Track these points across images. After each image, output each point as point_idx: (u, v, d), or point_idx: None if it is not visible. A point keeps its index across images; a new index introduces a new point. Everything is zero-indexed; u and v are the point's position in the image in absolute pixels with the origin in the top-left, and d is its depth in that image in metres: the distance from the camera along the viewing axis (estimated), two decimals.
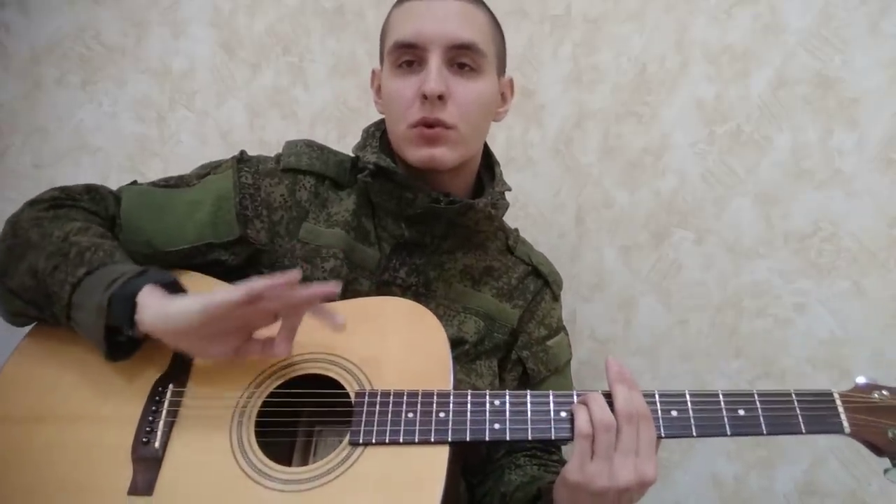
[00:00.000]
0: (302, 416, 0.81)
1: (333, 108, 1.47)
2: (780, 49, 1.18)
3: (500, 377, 0.96)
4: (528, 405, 0.75)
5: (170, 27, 1.53)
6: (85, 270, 0.77)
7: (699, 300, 1.23)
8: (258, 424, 0.77)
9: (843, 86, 1.13)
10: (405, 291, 0.91)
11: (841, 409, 0.73)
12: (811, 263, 1.14)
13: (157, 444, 0.76)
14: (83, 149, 1.52)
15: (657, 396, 0.74)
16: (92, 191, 0.92)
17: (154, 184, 0.94)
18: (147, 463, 0.75)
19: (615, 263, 1.30)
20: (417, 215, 0.90)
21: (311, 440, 0.82)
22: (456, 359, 0.90)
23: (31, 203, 0.88)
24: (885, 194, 1.09)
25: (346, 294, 0.88)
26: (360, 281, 0.91)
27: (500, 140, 1.39)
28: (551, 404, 0.75)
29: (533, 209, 1.37)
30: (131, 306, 0.75)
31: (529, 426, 0.74)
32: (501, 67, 0.97)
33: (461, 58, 0.88)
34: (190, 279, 0.88)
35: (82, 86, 1.54)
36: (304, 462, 0.79)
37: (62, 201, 0.88)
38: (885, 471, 0.72)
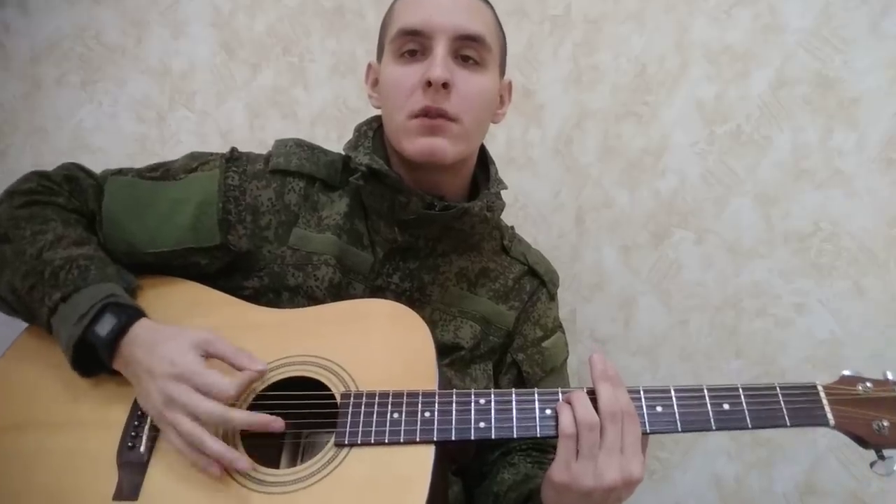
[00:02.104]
0: (289, 420, 0.80)
1: (333, 108, 1.47)
2: (780, 49, 1.18)
3: (495, 380, 0.95)
4: (514, 403, 0.74)
5: (170, 27, 1.53)
6: (59, 296, 0.77)
7: (699, 300, 1.23)
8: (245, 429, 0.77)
9: (843, 86, 1.13)
10: (399, 297, 0.89)
11: (825, 402, 0.73)
12: (811, 263, 1.14)
13: (142, 449, 0.76)
14: (83, 149, 1.52)
15: (642, 393, 0.74)
16: (72, 181, 0.90)
17: (140, 173, 0.92)
18: (132, 468, 0.75)
19: (615, 263, 1.30)
20: (411, 220, 0.88)
21: (299, 443, 0.81)
22: (451, 364, 0.90)
23: (10, 194, 0.87)
24: (885, 194, 1.09)
25: (340, 300, 0.87)
26: (353, 286, 0.89)
27: (500, 140, 1.39)
28: (536, 402, 0.74)
29: (533, 209, 1.37)
30: (94, 351, 0.77)
31: (514, 424, 0.73)
32: (503, 67, 0.96)
33: (466, 50, 0.86)
34: (164, 288, 0.88)
35: (82, 86, 1.54)
36: (293, 465, 0.78)
37: (39, 196, 0.87)
38: (872, 464, 0.73)
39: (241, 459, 0.72)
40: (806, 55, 1.16)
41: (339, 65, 1.48)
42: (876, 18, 1.10)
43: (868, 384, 0.74)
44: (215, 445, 0.71)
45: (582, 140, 1.33)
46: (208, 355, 0.76)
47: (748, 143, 1.20)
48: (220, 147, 1.50)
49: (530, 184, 1.37)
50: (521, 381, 0.95)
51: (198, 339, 0.76)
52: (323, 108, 1.49)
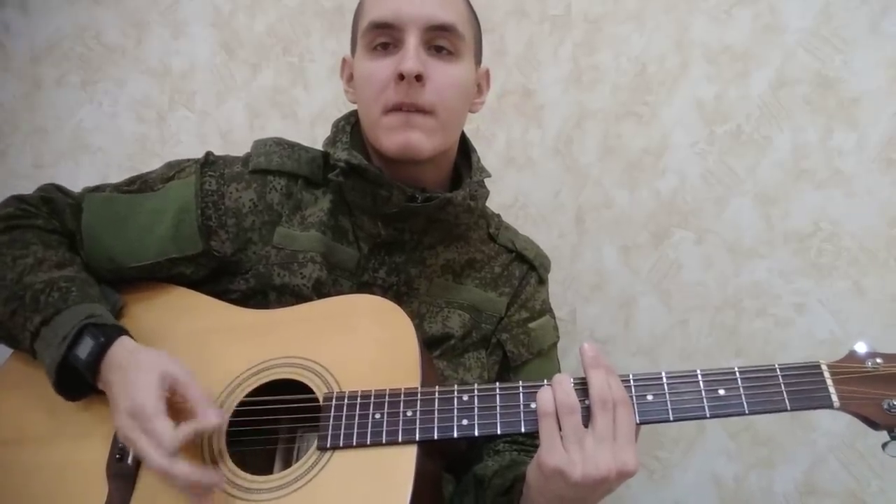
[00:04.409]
0: (281, 423, 0.80)
1: (333, 108, 1.47)
2: (780, 49, 1.18)
3: (488, 367, 0.93)
4: (497, 398, 0.72)
5: (170, 27, 1.53)
6: (40, 320, 0.77)
7: (699, 300, 1.23)
8: (236, 434, 0.76)
9: (843, 86, 1.13)
10: (386, 292, 0.88)
11: (829, 382, 0.68)
12: (811, 263, 1.14)
13: (129, 461, 0.76)
14: (83, 149, 1.52)
15: (632, 380, 0.71)
16: (49, 202, 0.89)
17: (118, 188, 0.91)
18: (122, 479, 0.75)
19: (615, 263, 1.30)
20: (394, 213, 0.86)
21: (293, 447, 0.81)
22: (442, 355, 0.89)
23: None
24: (885, 194, 1.09)
25: (327, 297, 0.86)
26: (340, 282, 0.88)
27: (500, 140, 1.39)
28: (521, 396, 0.72)
29: (533, 209, 1.37)
30: (79, 372, 0.76)
31: (498, 420, 0.71)
32: (478, 56, 0.95)
33: (439, 40, 0.85)
34: (149, 295, 0.87)
35: (82, 86, 1.54)
36: (287, 469, 0.78)
37: (18, 220, 0.86)
38: (884, 445, 0.68)
39: (211, 475, 0.70)
40: (806, 55, 1.16)
41: (339, 65, 1.48)
42: (876, 18, 1.10)
43: (878, 359, 0.68)
44: (187, 472, 0.69)
45: (582, 140, 1.33)
46: (173, 391, 0.74)
47: (748, 143, 1.20)
48: (220, 147, 1.51)
49: (530, 184, 1.37)
50: (507, 362, 0.94)
51: (165, 374, 0.73)
52: (323, 108, 1.49)
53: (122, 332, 0.79)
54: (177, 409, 0.73)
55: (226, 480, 0.73)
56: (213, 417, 0.72)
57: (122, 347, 0.76)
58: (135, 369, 0.74)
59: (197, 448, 0.75)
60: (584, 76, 1.34)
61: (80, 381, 0.78)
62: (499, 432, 0.71)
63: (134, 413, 0.71)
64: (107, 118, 1.53)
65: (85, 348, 0.75)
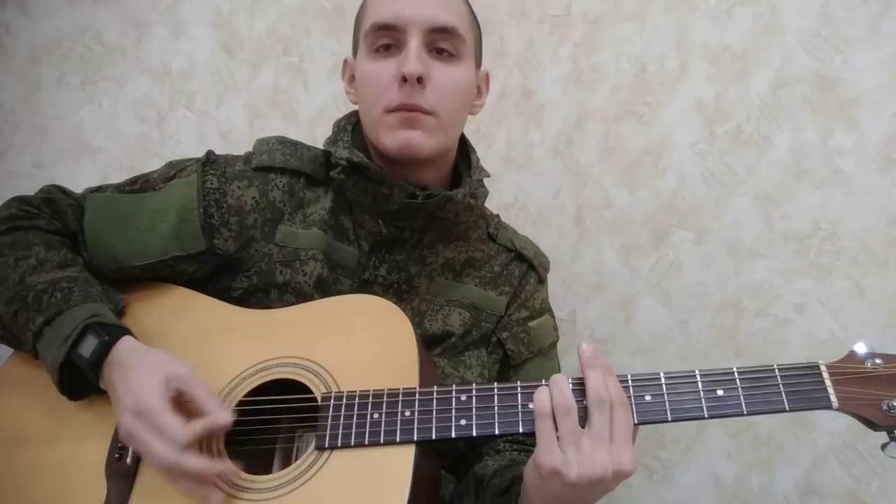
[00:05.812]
0: (281, 422, 0.80)
1: (333, 108, 1.47)
2: (780, 49, 1.18)
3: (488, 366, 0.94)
4: (496, 399, 0.72)
5: (170, 27, 1.53)
6: (43, 320, 0.77)
7: (699, 300, 1.23)
8: (235, 433, 0.76)
9: (843, 86, 1.13)
10: (387, 290, 0.89)
11: (828, 383, 0.68)
12: (811, 263, 1.14)
13: (129, 461, 0.76)
14: (83, 149, 1.52)
15: (630, 380, 0.71)
16: (51, 203, 0.90)
17: (120, 188, 0.91)
18: (120, 479, 0.75)
19: (615, 263, 1.30)
20: (395, 211, 0.87)
21: (292, 447, 0.81)
22: (443, 353, 0.89)
23: None
24: (885, 194, 1.09)
25: (328, 296, 0.86)
26: (341, 281, 0.89)
27: (500, 140, 1.39)
28: (519, 397, 0.72)
29: (533, 209, 1.37)
30: (81, 372, 0.76)
31: (496, 420, 0.71)
32: (478, 58, 0.96)
33: (440, 42, 0.86)
34: (149, 295, 0.87)
35: (82, 86, 1.54)
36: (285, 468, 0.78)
37: (20, 221, 0.87)
38: (883, 446, 0.67)
39: (224, 465, 0.71)
40: (806, 55, 1.16)
41: (338, 65, 1.48)
42: (876, 18, 1.10)
43: (878, 360, 0.68)
44: (197, 464, 0.69)
45: (582, 140, 1.33)
46: (178, 393, 0.74)
47: (748, 143, 1.20)
48: (220, 147, 1.51)
49: (530, 184, 1.37)
50: (507, 361, 0.95)
51: (170, 375, 0.73)
52: (323, 108, 1.49)
53: (126, 331, 0.79)
54: (184, 410, 0.73)
55: (226, 480, 0.73)
56: (223, 415, 0.72)
57: (125, 346, 0.76)
58: (137, 369, 0.74)
59: (195, 448, 0.75)
60: (584, 76, 1.34)
61: (82, 381, 0.78)
62: (497, 433, 0.71)
63: (140, 411, 0.71)
64: (107, 118, 1.53)
65: (88, 347, 0.75)
